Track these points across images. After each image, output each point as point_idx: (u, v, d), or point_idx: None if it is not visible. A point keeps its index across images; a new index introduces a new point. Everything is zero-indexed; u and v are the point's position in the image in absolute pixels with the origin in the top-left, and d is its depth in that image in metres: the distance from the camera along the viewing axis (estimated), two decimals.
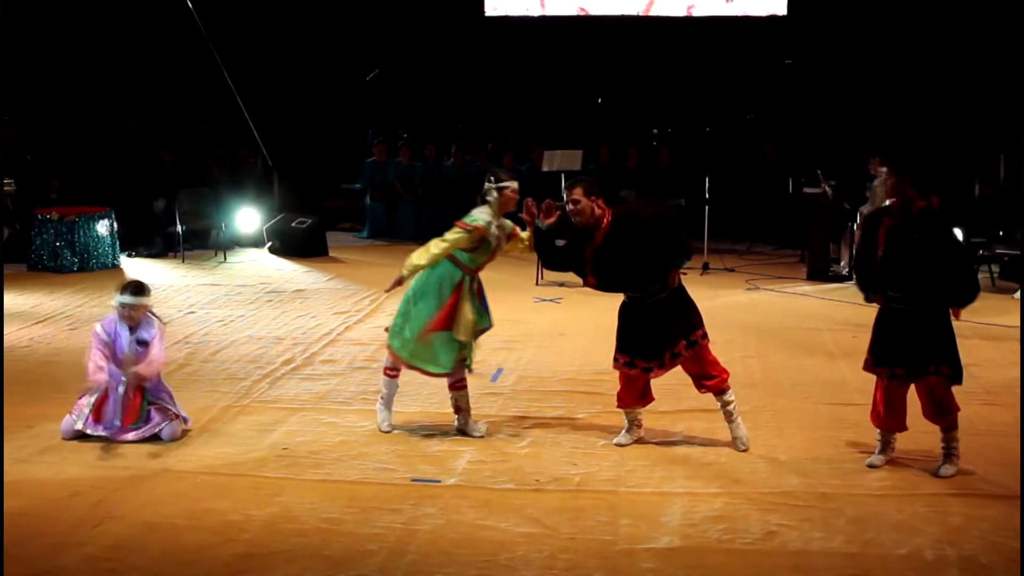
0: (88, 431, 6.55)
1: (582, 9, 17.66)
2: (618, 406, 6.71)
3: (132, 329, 6.64)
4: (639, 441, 6.67)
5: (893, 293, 6.07)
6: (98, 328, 6.68)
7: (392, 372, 6.90)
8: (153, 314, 6.82)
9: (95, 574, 4.93)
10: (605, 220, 6.38)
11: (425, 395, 7.34)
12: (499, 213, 6.69)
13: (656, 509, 5.65)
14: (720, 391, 6.52)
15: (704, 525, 5.46)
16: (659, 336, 6.41)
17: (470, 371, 6.86)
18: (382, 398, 6.93)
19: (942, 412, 6.10)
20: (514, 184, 6.70)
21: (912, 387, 6.16)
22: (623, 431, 6.69)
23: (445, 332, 6.61)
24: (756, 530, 5.39)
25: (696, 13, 17.40)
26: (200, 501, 5.71)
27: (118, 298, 6.63)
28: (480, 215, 6.64)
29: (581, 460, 6.37)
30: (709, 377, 6.50)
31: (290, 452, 6.47)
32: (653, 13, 17.53)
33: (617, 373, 6.60)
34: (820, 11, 16.71)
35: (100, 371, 6.56)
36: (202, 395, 7.57)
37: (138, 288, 6.69)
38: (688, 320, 6.45)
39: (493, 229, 6.63)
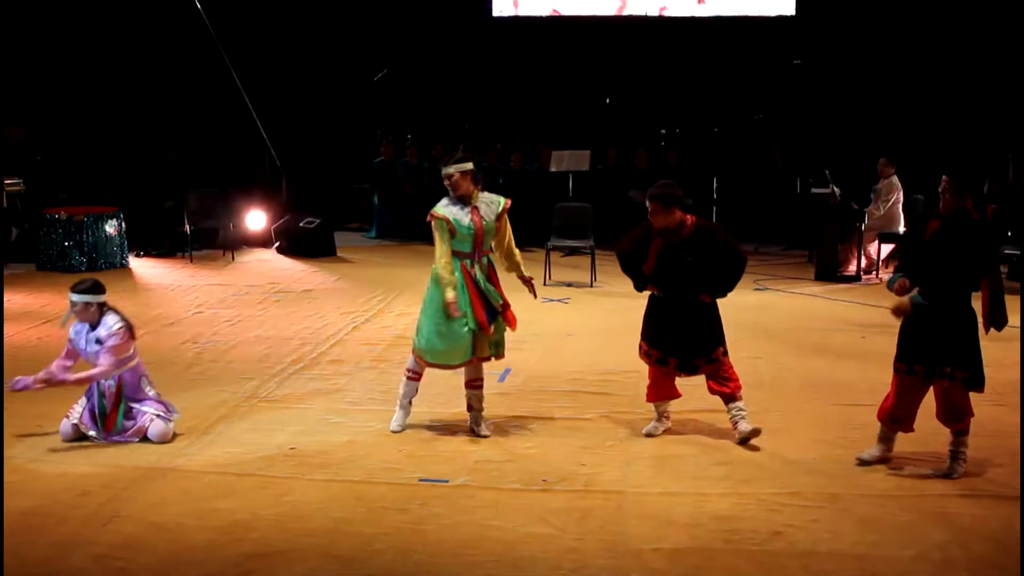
0: (83, 430, 6.56)
1: (555, 11, 17.65)
2: (648, 399, 6.88)
3: (92, 327, 6.60)
4: (648, 436, 6.75)
5: (925, 290, 6.07)
6: (72, 324, 6.70)
7: (412, 375, 6.91)
8: (120, 315, 6.65)
9: (104, 573, 4.94)
10: (686, 229, 6.54)
11: (432, 395, 7.33)
12: (457, 197, 6.72)
13: (663, 509, 5.65)
14: (733, 399, 6.67)
15: (711, 525, 5.46)
16: (694, 338, 6.61)
17: (496, 357, 6.85)
18: (400, 399, 6.94)
19: (957, 416, 6.08)
20: (447, 170, 6.72)
21: (932, 390, 6.15)
22: (653, 422, 6.85)
23: (452, 322, 6.63)
24: (764, 531, 5.39)
25: (668, 14, 17.39)
26: (208, 500, 5.73)
27: (70, 296, 6.57)
28: (440, 203, 6.76)
29: (588, 460, 6.37)
30: (725, 383, 6.67)
31: (298, 452, 6.48)
32: (626, 13, 17.51)
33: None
34: (829, 11, 16.69)
35: (57, 365, 6.61)
36: (210, 395, 7.58)
37: (89, 287, 6.56)
38: (719, 329, 6.67)
39: (454, 213, 6.66)
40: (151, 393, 6.71)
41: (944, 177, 6.09)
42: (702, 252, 6.51)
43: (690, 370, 6.68)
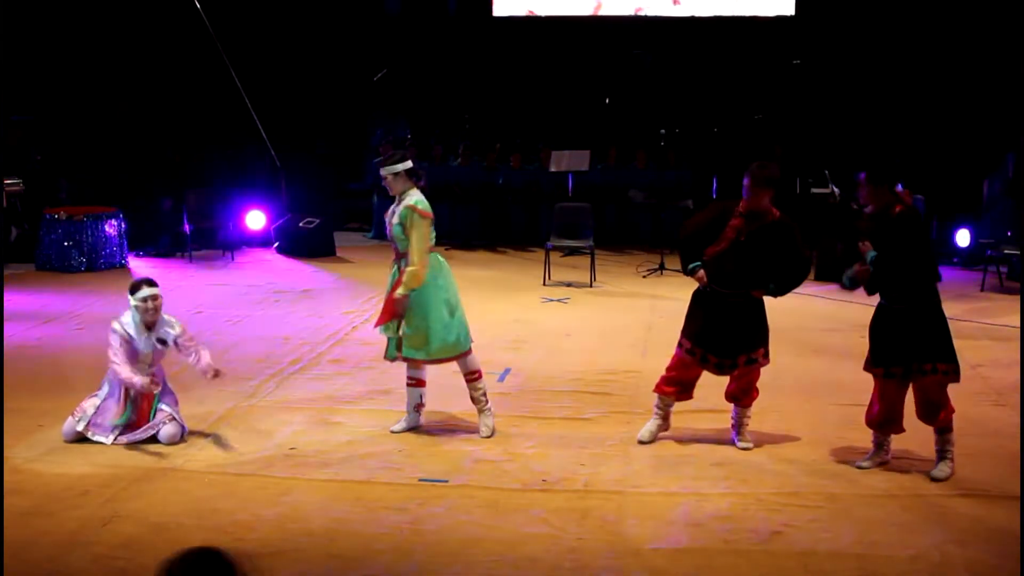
0: (88, 435, 6.55)
1: (530, 11, 17.64)
2: (656, 390, 6.75)
3: (150, 328, 6.64)
4: (641, 443, 6.69)
5: (884, 292, 6.08)
6: (116, 326, 6.63)
7: (408, 380, 6.92)
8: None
9: (104, 573, 4.94)
10: (769, 218, 6.47)
11: (430, 395, 7.32)
12: (393, 195, 6.80)
13: (663, 509, 5.65)
14: (744, 406, 6.66)
15: (711, 525, 5.46)
16: (737, 335, 6.50)
17: (389, 360, 6.89)
18: (407, 405, 6.95)
19: (935, 413, 6.08)
20: (381, 171, 6.77)
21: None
22: (648, 425, 6.72)
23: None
24: (763, 530, 5.39)
25: (644, 14, 17.39)
26: (208, 501, 5.73)
27: (138, 295, 6.58)
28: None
29: (588, 460, 6.37)
30: (748, 393, 6.64)
31: (298, 452, 6.48)
32: (602, 14, 17.51)
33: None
34: (829, 11, 16.69)
35: (123, 365, 6.54)
36: (209, 395, 7.57)
37: (151, 281, 6.73)
38: (765, 328, 6.59)
39: (386, 213, 6.81)
40: (170, 387, 6.77)
41: (861, 175, 6.10)
42: (775, 246, 6.42)
43: (730, 368, 6.56)
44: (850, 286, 6.17)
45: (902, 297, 6.01)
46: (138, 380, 6.52)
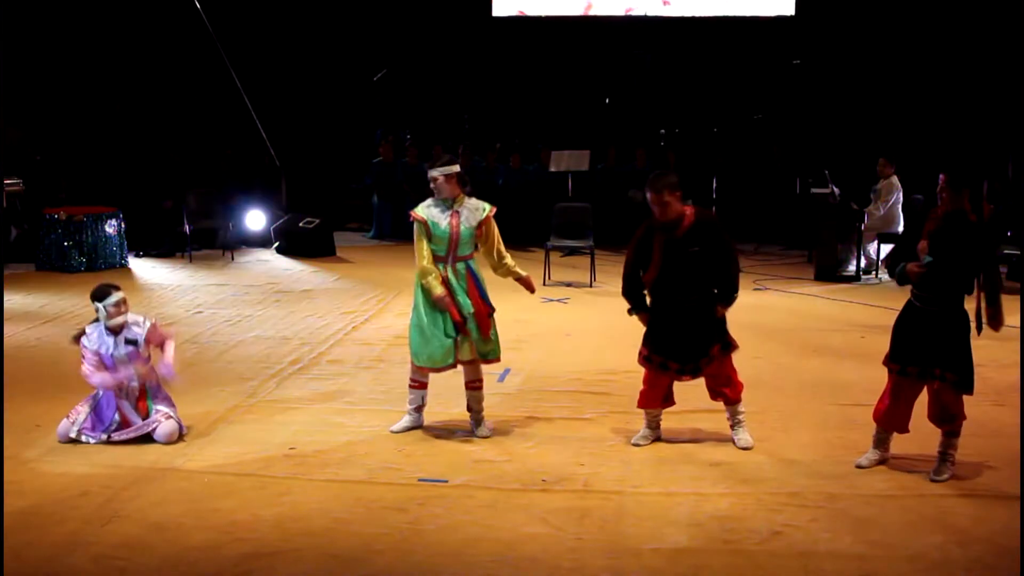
0: (83, 439, 6.55)
1: (520, 11, 17.67)
2: (640, 406, 6.73)
3: (116, 332, 6.62)
4: (635, 446, 6.66)
5: (919, 292, 6.07)
6: (84, 340, 6.62)
7: (413, 383, 6.91)
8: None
9: (104, 573, 4.94)
10: (687, 219, 6.40)
11: (430, 396, 7.33)
12: (441, 199, 6.65)
13: (663, 509, 5.65)
14: (733, 402, 6.63)
15: (711, 525, 5.46)
16: (694, 339, 6.48)
17: (486, 361, 6.78)
18: (408, 406, 6.94)
19: (946, 418, 6.07)
20: (432, 172, 6.61)
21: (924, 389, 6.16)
22: (641, 432, 6.71)
23: (433, 325, 6.64)
24: (763, 530, 5.39)
25: (634, 14, 17.42)
26: (207, 500, 5.73)
27: (109, 301, 6.53)
28: (422, 204, 6.72)
29: (588, 460, 6.37)
30: (730, 386, 6.61)
31: (297, 452, 6.48)
32: (592, 13, 17.54)
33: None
34: (828, 11, 16.70)
35: (96, 374, 6.56)
36: (209, 395, 7.58)
37: (115, 286, 6.65)
38: (721, 323, 6.54)
39: (432, 215, 6.61)
40: (164, 391, 6.77)
41: (941, 176, 6.08)
42: (704, 244, 6.36)
43: (692, 372, 6.57)
44: (900, 282, 6.14)
45: (941, 300, 5.98)
46: (121, 373, 6.56)
